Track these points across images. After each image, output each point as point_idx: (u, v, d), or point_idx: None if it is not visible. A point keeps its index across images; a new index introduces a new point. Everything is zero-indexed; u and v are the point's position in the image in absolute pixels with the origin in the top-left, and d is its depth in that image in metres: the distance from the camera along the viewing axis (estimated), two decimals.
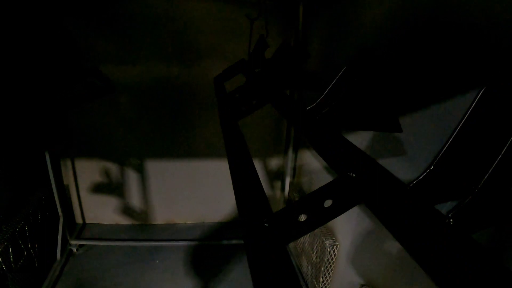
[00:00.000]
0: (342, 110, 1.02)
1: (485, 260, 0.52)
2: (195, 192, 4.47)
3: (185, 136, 4.15)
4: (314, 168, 3.61)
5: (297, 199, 3.78)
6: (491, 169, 0.60)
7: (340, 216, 2.34)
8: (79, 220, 4.45)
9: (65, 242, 3.90)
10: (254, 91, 1.81)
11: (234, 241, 4.27)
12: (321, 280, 3.06)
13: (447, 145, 0.67)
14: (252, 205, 0.76)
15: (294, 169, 4.23)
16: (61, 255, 3.77)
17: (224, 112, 1.64)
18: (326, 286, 3.10)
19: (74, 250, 3.96)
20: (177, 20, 3.59)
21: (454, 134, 0.66)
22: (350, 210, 2.26)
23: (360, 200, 0.71)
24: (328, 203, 0.72)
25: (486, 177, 0.61)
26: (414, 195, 0.63)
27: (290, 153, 4.06)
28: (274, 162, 4.44)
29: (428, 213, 0.58)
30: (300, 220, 0.71)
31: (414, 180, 0.68)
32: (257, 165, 4.40)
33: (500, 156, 0.60)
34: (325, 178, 3.27)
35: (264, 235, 0.68)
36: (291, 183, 4.19)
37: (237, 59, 2.78)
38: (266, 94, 1.63)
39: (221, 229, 4.56)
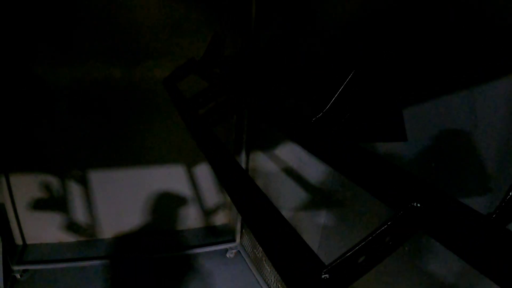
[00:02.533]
0: (356, 122, 0.93)
1: None
2: (143, 201, 4.27)
3: (130, 143, 3.94)
4: (269, 170, 3.53)
5: None
6: None
7: (304, 215, 2.28)
8: (19, 241, 4.10)
9: (7, 269, 3.57)
10: (223, 96, 1.69)
11: (191, 251, 4.13)
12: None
13: None
14: (294, 253, 0.65)
15: (247, 172, 4.11)
16: (5, 283, 3.45)
17: (194, 121, 1.49)
18: None
19: (18, 276, 3.63)
20: (119, 16, 3.38)
21: None
22: (316, 211, 2.20)
23: (421, 229, 0.62)
24: (388, 238, 0.63)
25: None
26: (500, 227, 0.55)
27: (243, 155, 3.94)
28: None
29: None
30: (359, 261, 0.61)
31: (496, 210, 0.59)
32: (202, 167, 4.28)
33: None
34: (282, 181, 3.21)
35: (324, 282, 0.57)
36: None
37: (185, 58, 2.62)
38: (241, 101, 1.51)
39: (175, 238, 4.38)
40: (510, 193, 0.59)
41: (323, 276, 0.58)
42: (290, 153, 2.98)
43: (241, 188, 0.90)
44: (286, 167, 3.11)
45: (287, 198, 3.17)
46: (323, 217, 2.60)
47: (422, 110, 1.65)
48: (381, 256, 0.63)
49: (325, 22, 2.39)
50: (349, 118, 0.91)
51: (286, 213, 3.10)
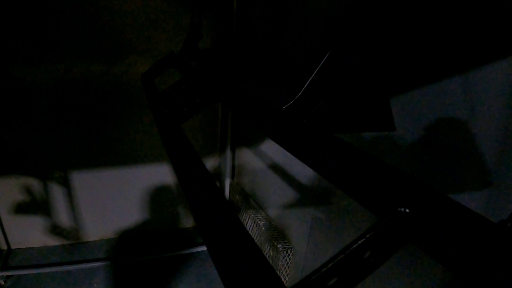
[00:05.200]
0: (331, 110, 0.79)
1: None
2: (128, 201, 4.14)
3: (113, 142, 3.81)
4: (256, 167, 3.42)
5: (239, 201, 3.60)
6: None
7: (292, 212, 2.18)
8: (3, 246, 3.98)
9: None
10: (196, 87, 1.55)
11: (180, 252, 4.01)
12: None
13: None
14: (253, 272, 0.51)
15: (233, 169, 4.02)
16: None
17: (162, 115, 1.36)
18: None
19: (2, 282, 3.52)
20: (99, 12, 3.24)
21: None
22: (304, 207, 2.10)
23: (407, 240, 0.49)
24: (367, 253, 0.49)
25: None
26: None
27: (228, 152, 3.83)
28: (210, 163, 4.20)
29: None
30: (330, 284, 0.47)
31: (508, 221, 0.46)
32: None
33: None
34: (269, 177, 3.10)
35: None
36: (231, 185, 3.97)
37: (167, 52, 2.52)
38: (213, 91, 1.37)
39: (161, 240, 4.26)
40: None
41: None
42: (277, 149, 2.88)
43: (203, 195, 0.76)
44: (273, 164, 3.01)
45: (274, 195, 3.07)
46: (311, 214, 2.50)
47: (414, 99, 1.53)
48: (359, 276, 0.49)
49: (306, 13, 2.30)
50: (323, 105, 0.78)
51: (273, 211, 3.01)
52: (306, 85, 0.82)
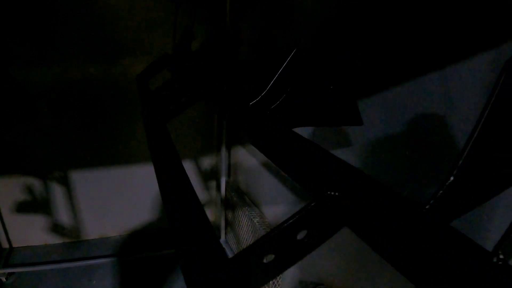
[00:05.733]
0: (294, 105, 0.84)
1: None
2: (128, 200, 4.19)
3: (112, 141, 3.87)
4: (250, 165, 3.46)
5: (235, 198, 3.63)
6: None
7: (284, 214, 2.20)
8: (5, 244, 4.03)
9: None
10: (183, 87, 1.60)
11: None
12: (270, 282, 2.91)
13: (469, 147, 0.49)
14: (198, 244, 0.55)
15: (229, 167, 4.06)
16: None
17: (148, 113, 1.40)
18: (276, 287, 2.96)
19: (3, 279, 3.58)
20: (95, 15, 3.30)
21: (478, 129, 0.48)
22: (296, 208, 2.12)
23: (343, 224, 0.53)
24: (301, 234, 0.53)
25: None
26: (433, 219, 0.45)
27: (223, 151, 3.87)
28: (207, 162, 4.25)
29: (465, 248, 0.40)
30: (266, 261, 0.52)
31: (430, 200, 0.50)
32: (188, 165, 4.21)
33: None
34: (264, 176, 3.14)
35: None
36: (227, 183, 4.01)
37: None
38: (197, 90, 1.42)
39: (161, 238, 4.29)
40: (450, 179, 0.49)
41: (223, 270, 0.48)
42: None
43: (176, 192, 0.80)
44: (266, 161, 3.04)
45: (267, 192, 3.11)
46: None
47: (393, 94, 1.56)
48: (295, 255, 0.53)
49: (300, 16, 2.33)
50: (284, 100, 0.82)
51: (266, 208, 3.05)
52: (272, 82, 0.86)
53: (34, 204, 3.91)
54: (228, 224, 4.05)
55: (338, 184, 0.54)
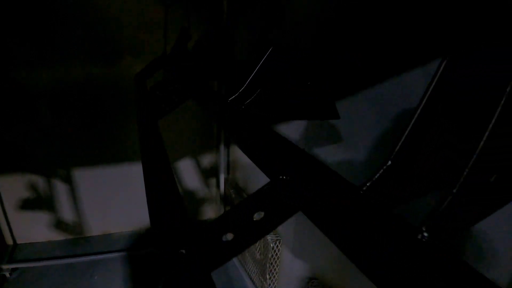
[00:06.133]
0: (269, 99, 0.88)
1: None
2: (129, 197, 4.23)
3: (113, 140, 3.94)
4: (247, 162, 3.48)
5: (233, 195, 3.68)
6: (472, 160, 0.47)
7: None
8: (9, 241, 4.10)
9: None
10: (175, 86, 1.65)
11: None
12: (268, 277, 2.96)
13: (406, 132, 0.54)
14: (167, 224, 0.60)
15: (228, 164, 4.12)
16: None
17: (142, 111, 1.46)
18: (273, 283, 3.00)
19: (7, 275, 3.62)
20: (95, 15, 3.36)
21: (415, 117, 0.53)
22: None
23: (297, 208, 0.58)
24: (259, 215, 0.58)
25: (467, 170, 0.47)
26: (369, 201, 0.50)
27: (222, 148, 3.95)
28: (207, 159, 4.30)
29: (395, 226, 0.45)
30: (225, 240, 0.56)
31: (367, 182, 0.55)
32: (189, 164, 4.27)
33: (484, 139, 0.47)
34: (260, 171, 3.16)
35: (182, 264, 0.53)
36: (226, 180, 4.08)
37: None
38: (186, 89, 1.47)
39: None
40: (384, 167, 0.54)
41: (181, 251, 0.54)
42: None
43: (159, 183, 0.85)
44: None
45: None
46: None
47: (380, 91, 1.60)
48: (251, 236, 0.58)
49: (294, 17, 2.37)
50: (260, 95, 0.87)
51: None
52: (249, 78, 0.91)
53: (38, 202, 3.97)
54: None
55: (291, 169, 0.59)
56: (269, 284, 3.01)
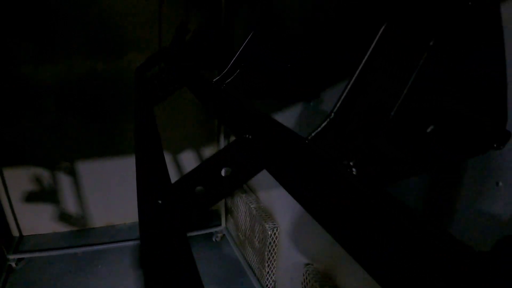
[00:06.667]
0: (248, 79, 0.97)
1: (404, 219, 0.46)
2: (132, 190, 4.23)
3: (116, 133, 4.03)
4: None
5: None
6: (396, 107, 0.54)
7: (277, 199, 2.30)
8: (15, 233, 4.19)
9: (3, 258, 3.67)
10: (168, 77, 1.75)
11: None
12: (266, 265, 3.03)
13: (348, 88, 0.61)
14: (149, 180, 0.69)
15: None
16: (1, 272, 3.56)
17: (139, 98, 1.55)
18: (272, 270, 3.08)
19: (13, 265, 3.72)
20: (97, 13, 3.45)
21: (356, 74, 0.61)
22: (287, 193, 2.21)
23: (261, 166, 0.66)
24: (227, 171, 0.66)
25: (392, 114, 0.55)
26: (313, 150, 0.58)
27: (222, 140, 4.05)
28: (208, 151, 4.39)
29: (327, 168, 0.53)
30: (197, 191, 0.64)
31: (312, 132, 0.62)
32: (191, 156, 4.37)
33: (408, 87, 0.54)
34: None
35: (158, 214, 0.61)
36: (226, 171, 4.11)
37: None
38: (180, 78, 1.56)
39: None
40: (327, 120, 0.61)
41: (158, 201, 0.62)
42: None
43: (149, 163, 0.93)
44: None
45: (263, 178, 3.19)
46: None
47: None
48: (222, 190, 0.66)
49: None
50: (238, 76, 0.95)
51: (262, 193, 3.16)
52: (232, 62, 1.00)
53: (43, 194, 4.06)
54: (228, 211, 4.19)
55: (254, 129, 0.67)
56: (267, 272, 3.08)
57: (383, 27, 0.59)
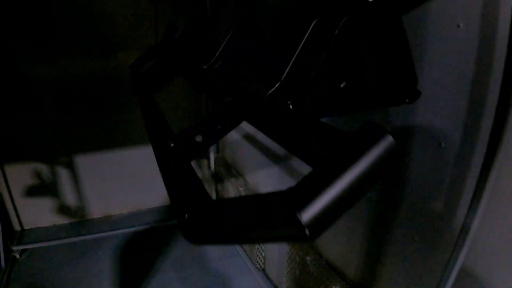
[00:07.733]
0: (232, 67, 1.24)
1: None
2: (128, 181, 4.54)
3: (112, 127, 4.23)
4: (234, 138, 3.81)
5: (223, 172, 4.01)
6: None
7: (264, 180, 2.55)
8: (17, 227, 4.37)
9: (7, 250, 3.82)
10: (161, 71, 2.01)
11: (171, 222, 4.44)
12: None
13: (290, 63, 0.88)
14: (160, 134, 0.96)
15: (217, 144, 4.38)
16: (6, 263, 3.71)
17: (139, 89, 1.82)
18: (261, 247, 3.33)
19: (17, 256, 3.90)
20: (92, 14, 3.67)
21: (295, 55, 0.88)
22: (273, 173, 2.43)
23: (240, 118, 0.94)
24: (218, 126, 0.94)
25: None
26: (270, 100, 0.85)
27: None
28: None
29: (277, 107, 0.81)
30: (197, 140, 0.92)
31: (269, 91, 0.89)
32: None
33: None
34: (245, 147, 3.51)
35: (171, 153, 0.88)
36: (216, 159, 4.35)
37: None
38: (172, 70, 1.83)
39: (158, 214, 4.68)
40: (279, 83, 0.89)
41: (170, 144, 0.89)
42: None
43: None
44: (246, 133, 3.44)
45: (250, 162, 3.50)
46: (277, 173, 2.89)
47: None
48: (214, 137, 0.94)
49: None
50: (222, 63, 1.23)
51: (250, 176, 3.38)
52: (219, 50, 1.27)
53: (42, 188, 4.24)
54: (218, 197, 4.41)
55: (233, 94, 0.95)
56: (257, 249, 3.33)
57: (314, 21, 0.86)
